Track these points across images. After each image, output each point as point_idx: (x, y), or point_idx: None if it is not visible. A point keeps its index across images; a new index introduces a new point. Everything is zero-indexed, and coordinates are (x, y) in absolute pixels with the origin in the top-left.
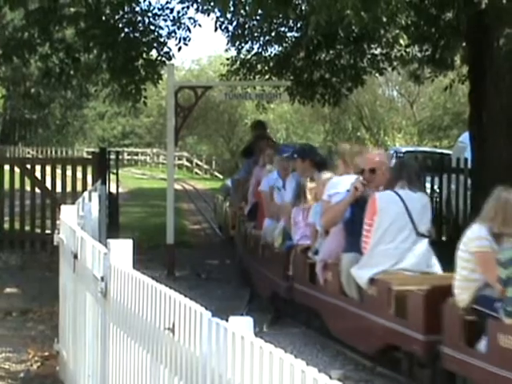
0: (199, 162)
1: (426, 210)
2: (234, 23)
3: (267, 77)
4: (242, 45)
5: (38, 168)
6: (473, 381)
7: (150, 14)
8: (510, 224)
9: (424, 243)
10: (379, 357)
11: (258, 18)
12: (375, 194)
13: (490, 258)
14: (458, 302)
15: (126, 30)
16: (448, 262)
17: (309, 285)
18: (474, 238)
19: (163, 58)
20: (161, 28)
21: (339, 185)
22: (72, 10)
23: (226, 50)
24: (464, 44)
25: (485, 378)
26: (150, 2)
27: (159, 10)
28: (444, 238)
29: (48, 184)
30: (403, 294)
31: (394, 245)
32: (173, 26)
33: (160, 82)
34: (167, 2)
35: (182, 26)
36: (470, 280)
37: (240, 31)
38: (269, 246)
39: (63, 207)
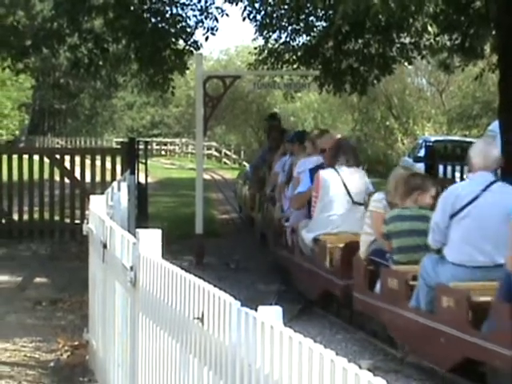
0: (228, 152)
1: (361, 182)
2: (262, 12)
3: (295, 66)
4: (270, 34)
5: (67, 158)
6: (374, 317)
7: (177, 4)
8: (396, 196)
9: (359, 210)
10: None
11: (285, 7)
12: (319, 171)
13: (379, 217)
14: (360, 253)
15: (154, 20)
16: None
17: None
18: (373, 200)
19: (191, 48)
20: (188, 18)
21: (306, 163)
22: (100, 0)
23: (254, 40)
24: (494, 32)
25: (380, 313)
26: None
27: None
28: None
29: (77, 174)
30: (333, 249)
31: (333, 212)
32: (200, 15)
33: (188, 71)
34: None
35: (210, 15)
36: (367, 234)
37: (268, 20)
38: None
39: (92, 197)
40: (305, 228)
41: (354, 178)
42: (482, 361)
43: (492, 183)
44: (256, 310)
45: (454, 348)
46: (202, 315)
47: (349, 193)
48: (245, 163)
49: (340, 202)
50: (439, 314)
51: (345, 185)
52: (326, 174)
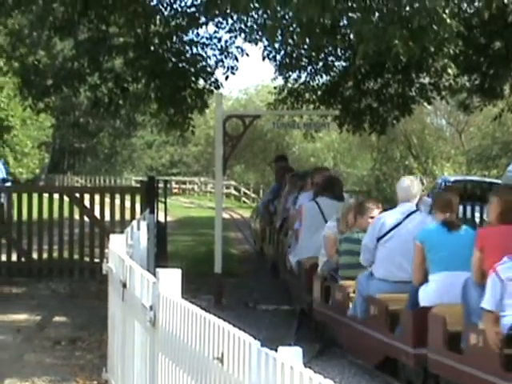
0: (247, 191)
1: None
2: (282, 52)
3: (315, 106)
4: (290, 74)
5: (86, 197)
6: (329, 325)
7: (197, 44)
8: (343, 223)
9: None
10: None
11: (305, 47)
12: (302, 204)
13: (330, 241)
14: (318, 271)
15: (174, 59)
16: None
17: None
18: (326, 226)
19: (211, 87)
20: (208, 57)
21: (304, 198)
22: (121, 40)
23: (274, 79)
24: None
25: (331, 322)
26: (197, 32)
27: (207, 39)
28: None
29: (97, 213)
30: (307, 268)
31: (313, 240)
32: (220, 55)
33: (207, 111)
34: (215, 32)
35: (230, 55)
36: (322, 255)
37: (288, 60)
38: None
39: (112, 236)
40: (292, 252)
41: (333, 209)
42: (396, 358)
43: (412, 212)
44: (276, 350)
45: (378, 348)
46: (222, 355)
47: (326, 221)
48: None
49: (318, 231)
50: (368, 320)
51: (323, 214)
52: (307, 206)
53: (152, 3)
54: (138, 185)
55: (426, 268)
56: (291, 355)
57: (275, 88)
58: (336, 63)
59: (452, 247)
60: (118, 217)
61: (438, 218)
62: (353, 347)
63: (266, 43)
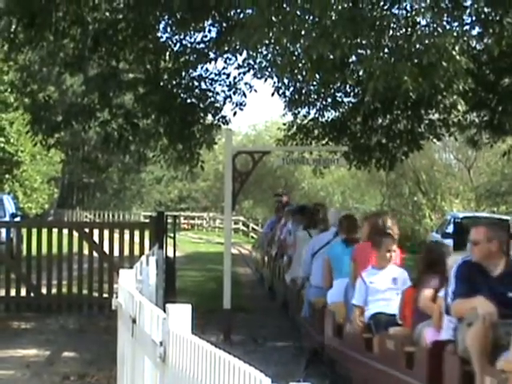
0: (255, 226)
1: (325, 242)
2: (291, 88)
3: (324, 141)
4: (299, 110)
5: (96, 232)
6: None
7: (206, 80)
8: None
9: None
10: None
11: (315, 83)
12: (296, 233)
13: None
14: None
15: (183, 95)
16: None
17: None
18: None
19: (219, 123)
20: (217, 93)
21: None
22: (131, 75)
23: (283, 115)
24: None
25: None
26: (206, 68)
27: (216, 75)
28: None
29: (106, 248)
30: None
31: (304, 263)
32: (229, 91)
33: (216, 146)
34: (224, 68)
35: (238, 91)
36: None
37: (297, 96)
38: None
39: (121, 271)
40: (287, 271)
41: (323, 239)
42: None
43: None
44: None
45: (314, 341)
46: None
47: (313, 249)
48: None
49: (306, 256)
50: (310, 318)
51: (313, 244)
52: (300, 235)
53: (162, 39)
54: (147, 220)
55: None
56: None
57: (284, 124)
58: (345, 99)
59: (347, 259)
60: (126, 252)
61: (341, 236)
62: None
63: (275, 79)
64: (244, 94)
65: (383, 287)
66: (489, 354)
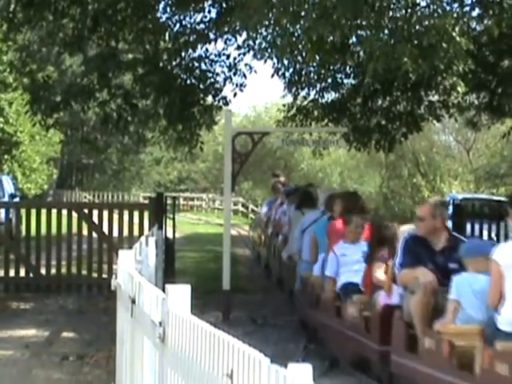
0: (255, 208)
1: (313, 219)
2: (291, 70)
3: (324, 123)
4: (299, 91)
5: (95, 213)
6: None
7: (206, 61)
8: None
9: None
10: None
11: (315, 64)
12: (290, 213)
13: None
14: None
15: (183, 76)
16: None
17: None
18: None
19: (219, 104)
20: (217, 74)
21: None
22: (130, 56)
23: (283, 96)
24: None
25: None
26: (206, 49)
27: (216, 56)
28: None
29: (105, 229)
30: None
31: (296, 240)
32: (229, 72)
33: (215, 127)
34: (224, 49)
35: (238, 72)
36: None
37: (297, 77)
38: None
39: (121, 252)
40: (284, 249)
41: (312, 217)
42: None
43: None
44: (284, 366)
45: (303, 313)
46: (232, 372)
47: (302, 226)
48: None
49: (297, 232)
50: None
51: (304, 222)
52: (294, 214)
53: (161, 20)
54: (147, 201)
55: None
56: (301, 372)
57: (284, 105)
58: (345, 81)
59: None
60: (126, 233)
61: (327, 214)
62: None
63: (275, 60)
64: (244, 75)
65: (353, 260)
66: (429, 319)
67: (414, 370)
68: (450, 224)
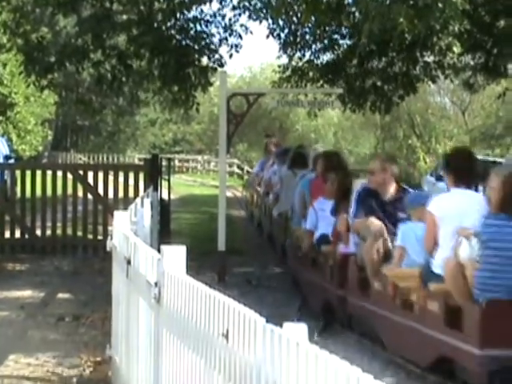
0: (250, 169)
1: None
2: (286, 30)
3: (319, 84)
4: (294, 52)
5: (90, 174)
6: None
7: (201, 21)
8: None
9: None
10: None
11: (310, 25)
12: (281, 172)
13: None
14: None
15: (178, 36)
16: None
17: None
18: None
19: (214, 65)
20: (212, 35)
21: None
22: (124, 17)
23: (278, 57)
24: None
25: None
26: (201, 9)
27: (211, 16)
28: None
29: (100, 190)
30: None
31: (284, 198)
32: (224, 32)
33: (211, 88)
34: (219, 9)
35: (234, 33)
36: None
37: (292, 38)
38: None
39: (116, 213)
40: (275, 207)
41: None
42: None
43: None
44: (280, 326)
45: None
46: (227, 332)
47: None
48: None
49: (292, 191)
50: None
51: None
52: (285, 173)
53: None
54: (141, 162)
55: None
56: (296, 331)
57: (279, 66)
58: (340, 41)
59: None
60: (121, 194)
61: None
62: None
63: (270, 21)
64: (239, 36)
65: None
66: (379, 263)
67: (367, 309)
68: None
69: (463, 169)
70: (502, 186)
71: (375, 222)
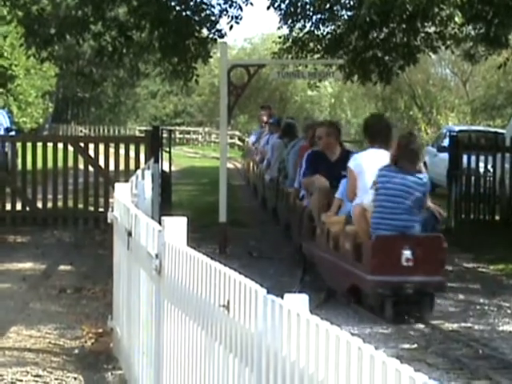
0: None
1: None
2: (287, 1)
3: (320, 55)
4: (295, 23)
5: (91, 146)
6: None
7: None
8: None
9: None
10: None
11: None
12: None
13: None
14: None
15: (178, 8)
16: (504, 243)
17: None
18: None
19: (215, 37)
20: (212, 6)
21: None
22: None
23: (279, 28)
24: None
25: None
26: None
27: None
28: (498, 218)
29: (101, 162)
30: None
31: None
32: (224, 4)
33: (211, 60)
34: None
35: (234, 4)
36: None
37: (293, 9)
38: None
39: (117, 185)
40: (266, 173)
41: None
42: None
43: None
44: (281, 297)
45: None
46: (228, 303)
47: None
48: None
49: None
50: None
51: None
52: (276, 142)
53: None
54: (142, 134)
55: None
56: (297, 302)
57: (280, 37)
58: (341, 12)
59: None
60: (122, 166)
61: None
62: None
63: None
64: (240, 8)
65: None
66: (322, 213)
67: (313, 252)
68: (447, 156)
69: (377, 132)
70: (397, 145)
71: (320, 179)
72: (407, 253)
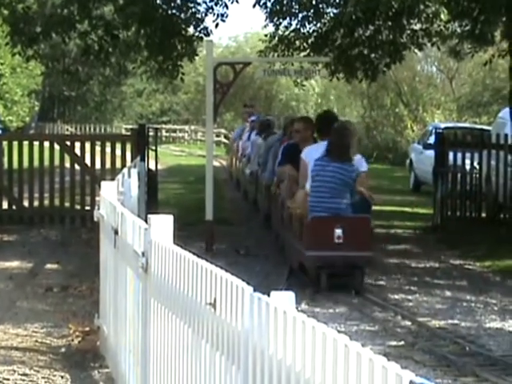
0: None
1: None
2: None
3: (306, 53)
4: (280, 21)
5: (77, 145)
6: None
7: None
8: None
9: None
10: None
11: None
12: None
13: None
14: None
15: (164, 6)
16: (490, 240)
17: None
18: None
19: (200, 35)
20: (198, 4)
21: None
22: None
23: (265, 27)
24: (504, 19)
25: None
26: None
27: None
28: (483, 215)
29: (87, 161)
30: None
31: (254, 158)
32: (210, 2)
33: (196, 58)
34: None
35: (220, 2)
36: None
37: (278, 7)
38: None
39: (103, 183)
40: (246, 167)
41: (271, 140)
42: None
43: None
44: (268, 295)
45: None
46: (215, 301)
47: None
48: None
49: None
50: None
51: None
52: (255, 139)
53: None
54: (129, 133)
55: None
56: (284, 300)
57: (266, 35)
58: (327, 10)
59: None
60: (108, 165)
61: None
62: None
63: None
64: (226, 6)
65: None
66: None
67: (282, 234)
68: (433, 153)
69: (326, 127)
70: (330, 139)
71: (291, 169)
72: (338, 231)
